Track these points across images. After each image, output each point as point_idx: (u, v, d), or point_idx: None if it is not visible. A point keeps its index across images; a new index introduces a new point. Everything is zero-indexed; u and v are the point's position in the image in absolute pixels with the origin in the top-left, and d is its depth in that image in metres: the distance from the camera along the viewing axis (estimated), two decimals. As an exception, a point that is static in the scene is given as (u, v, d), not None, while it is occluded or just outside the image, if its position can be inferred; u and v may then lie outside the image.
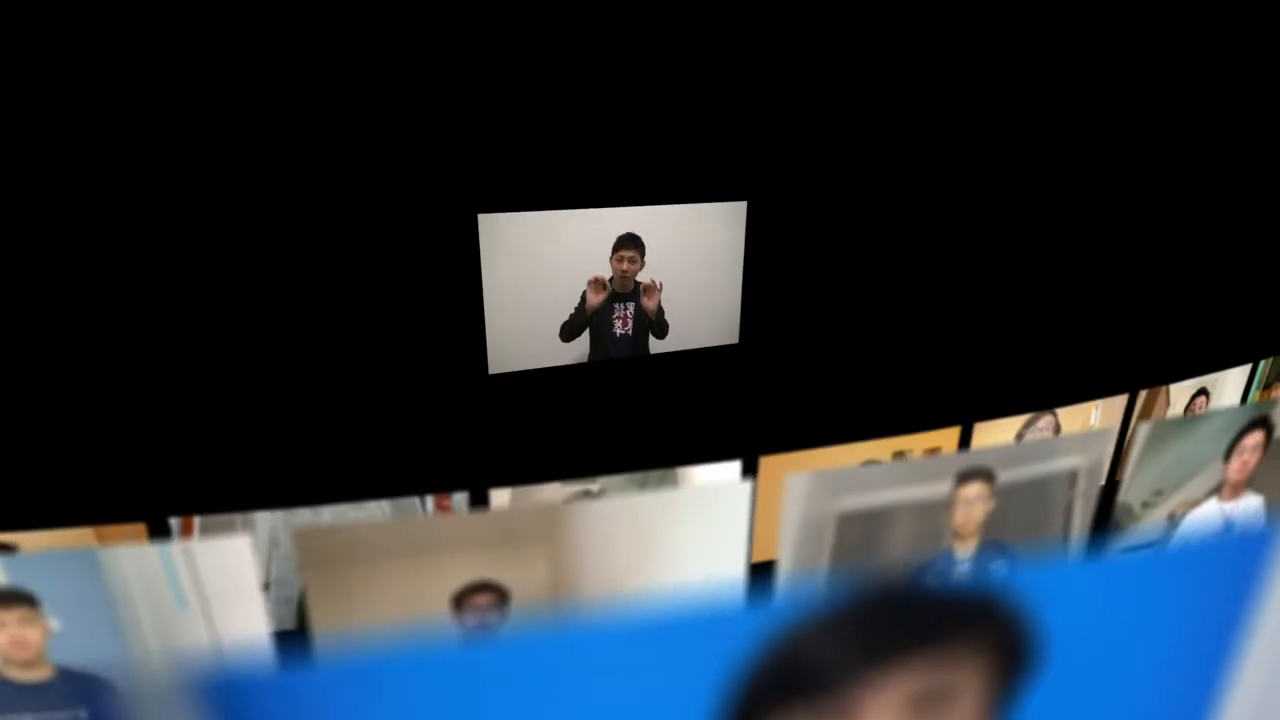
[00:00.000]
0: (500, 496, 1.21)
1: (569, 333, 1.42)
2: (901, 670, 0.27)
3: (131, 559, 0.67)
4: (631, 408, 1.48)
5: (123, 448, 1.13)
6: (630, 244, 1.38)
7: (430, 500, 1.20)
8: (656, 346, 1.50)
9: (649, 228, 1.40)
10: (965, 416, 1.26)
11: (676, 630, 0.24)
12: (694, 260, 1.45)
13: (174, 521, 1.10)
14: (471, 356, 1.33)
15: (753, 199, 1.38)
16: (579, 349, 1.45)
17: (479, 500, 1.21)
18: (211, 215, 1.06)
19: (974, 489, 0.85)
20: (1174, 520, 0.95)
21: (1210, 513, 0.97)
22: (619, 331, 1.47)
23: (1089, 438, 0.86)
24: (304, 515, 1.18)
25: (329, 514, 1.16)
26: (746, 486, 0.79)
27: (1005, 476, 0.85)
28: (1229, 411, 0.88)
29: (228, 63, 1.00)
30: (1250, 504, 0.98)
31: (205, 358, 1.13)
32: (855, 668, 0.26)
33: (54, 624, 0.68)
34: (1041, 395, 1.38)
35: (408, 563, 0.74)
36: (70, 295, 1.03)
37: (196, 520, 1.11)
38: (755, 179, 1.36)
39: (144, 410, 1.12)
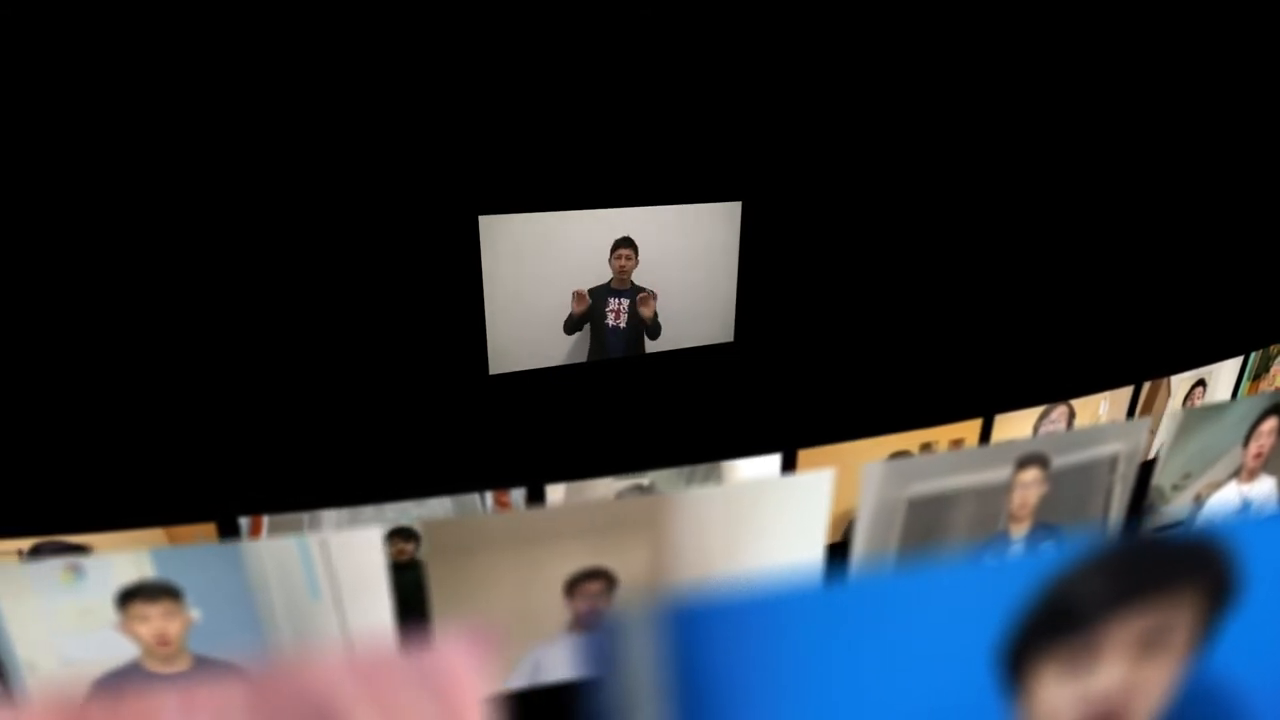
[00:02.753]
0: (555, 492, 1.24)
1: (569, 326, 1.43)
2: (1140, 609, 0.32)
3: (271, 551, 0.71)
4: (631, 406, 1.50)
5: (128, 454, 1.13)
6: (626, 244, 1.41)
7: (489, 496, 1.24)
8: (653, 345, 1.53)
9: (646, 228, 1.44)
10: (956, 411, 1.31)
11: (974, 577, 0.30)
12: (690, 260, 1.49)
13: (243, 521, 1.12)
14: (472, 357, 1.36)
15: (747, 199, 1.42)
16: (578, 349, 1.48)
17: (536, 496, 1.24)
18: (212, 217, 1.07)
19: (1030, 474, 0.92)
20: (1199, 501, 1.03)
21: (1231, 494, 1.05)
22: (611, 324, 1.50)
23: (1129, 425, 0.93)
24: (368, 512, 1.20)
25: (392, 510, 1.19)
26: (829, 476, 0.85)
27: (1058, 462, 0.92)
28: (1248, 400, 0.96)
29: (230, 65, 1.01)
30: (1265, 486, 1.06)
31: (206, 359, 1.13)
32: (1106, 608, 0.32)
33: (195, 616, 0.71)
34: (1037, 390, 1.44)
35: (521, 552, 0.78)
36: (68, 299, 1.04)
37: (265, 519, 1.13)
38: (749, 180, 1.40)
39: (143, 412, 1.13)
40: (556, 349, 1.46)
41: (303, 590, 0.73)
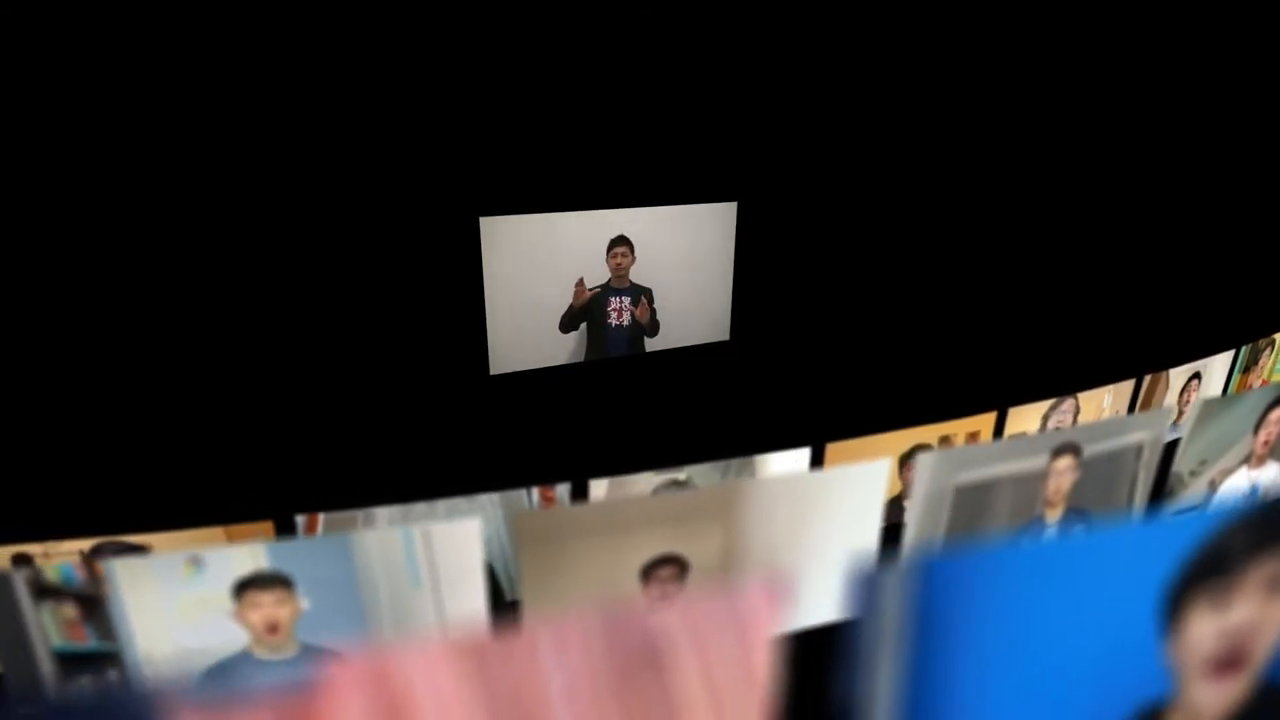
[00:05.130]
0: (598, 487, 1.28)
1: (566, 324, 1.47)
2: (1273, 557, 0.38)
3: (378, 542, 0.74)
4: (630, 405, 1.53)
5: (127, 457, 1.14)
6: (621, 241, 1.45)
7: (536, 492, 1.27)
8: (650, 344, 1.55)
9: (644, 228, 1.48)
10: (948, 407, 1.36)
11: (1150, 533, 0.35)
12: (686, 259, 1.53)
13: (299, 519, 1.14)
14: (473, 358, 1.38)
15: (742, 200, 1.47)
16: (578, 349, 1.51)
17: (579, 492, 1.27)
18: (214, 219, 1.08)
19: (1064, 461, 0.98)
20: (1214, 486, 1.11)
21: (1241, 480, 1.12)
22: (613, 322, 1.53)
23: (1153, 415, 1.00)
24: (420, 509, 1.23)
25: (443, 507, 1.22)
26: (885, 466, 0.90)
27: (1089, 450, 0.98)
28: (1258, 391, 1.04)
29: (233, 68, 1.03)
30: (1272, 471, 1.14)
31: (207, 360, 1.14)
32: (1248, 555, 0.37)
33: (305, 604, 0.74)
34: (1034, 387, 1.50)
35: (602, 541, 0.82)
36: (72, 304, 1.05)
37: (321, 517, 1.15)
38: (745, 181, 1.45)
39: (143, 413, 1.14)
40: (556, 349, 1.49)
41: (405, 579, 0.76)
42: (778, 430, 1.62)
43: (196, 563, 0.69)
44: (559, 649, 0.27)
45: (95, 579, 0.67)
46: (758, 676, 0.30)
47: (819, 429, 1.25)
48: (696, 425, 1.58)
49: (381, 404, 1.30)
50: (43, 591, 0.67)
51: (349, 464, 1.29)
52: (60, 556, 1.02)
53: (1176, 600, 0.37)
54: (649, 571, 0.84)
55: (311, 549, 0.72)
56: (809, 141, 1.40)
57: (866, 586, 0.30)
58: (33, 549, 1.02)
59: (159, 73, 0.99)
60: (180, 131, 1.02)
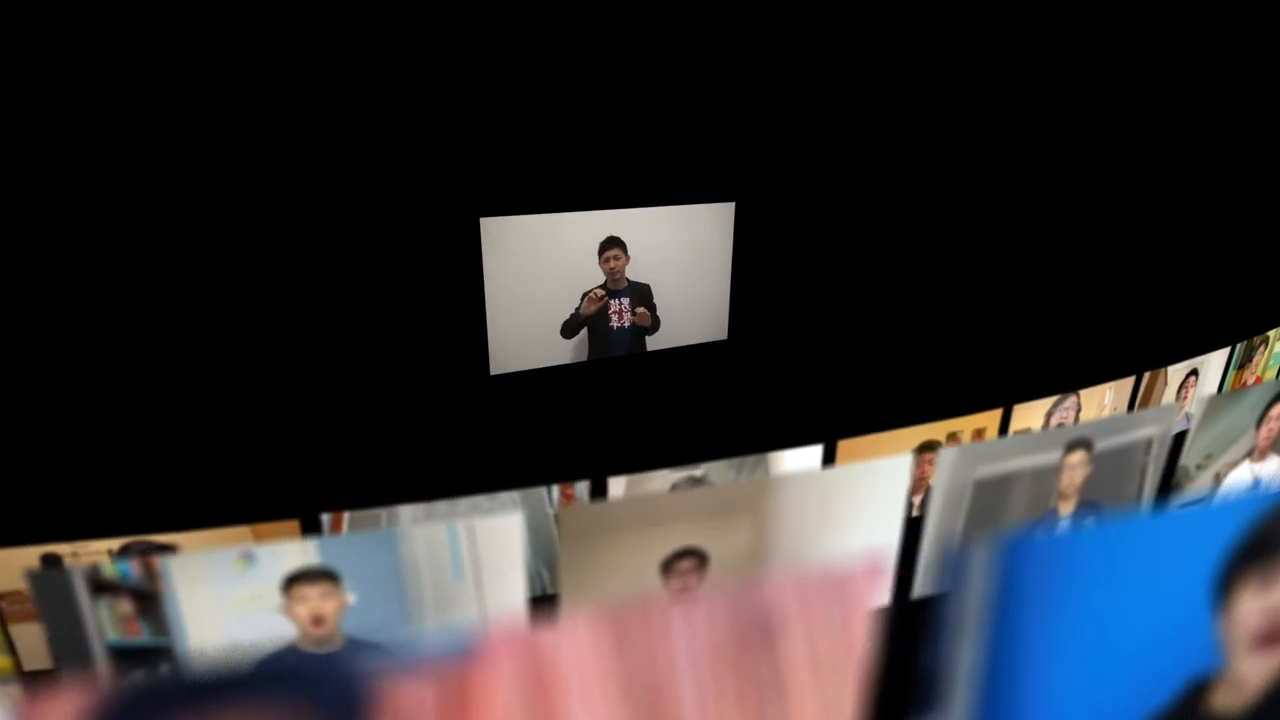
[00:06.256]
0: (617, 485, 1.29)
1: (569, 330, 1.49)
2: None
3: (423, 537, 0.76)
4: (630, 404, 1.54)
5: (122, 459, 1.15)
6: (613, 244, 1.45)
7: (556, 489, 1.29)
8: (650, 343, 1.56)
9: (642, 229, 1.49)
10: (945, 406, 1.38)
11: (1206, 515, 0.37)
12: (685, 259, 1.55)
13: (325, 517, 1.15)
14: (473, 358, 1.39)
15: (740, 200, 1.48)
16: (578, 349, 1.52)
17: (599, 489, 1.29)
18: (214, 220, 1.09)
19: (1077, 456, 1.01)
20: (1218, 480, 1.14)
21: (1244, 473, 1.16)
22: (615, 325, 1.54)
23: (1161, 411, 1.03)
24: (442, 507, 1.24)
25: (466, 504, 1.23)
26: (908, 460, 0.92)
27: (1101, 445, 1.01)
28: (1261, 387, 1.07)
29: (233, 69, 1.04)
30: (1273, 465, 1.17)
31: (209, 360, 1.15)
32: (1293, 536, 0.40)
33: (351, 598, 0.76)
34: (1030, 385, 1.52)
35: (634, 534, 0.84)
36: (71, 303, 1.05)
37: (346, 515, 1.17)
38: (742, 181, 1.46)
39: (144, 415, 1.14)
40: (557, 349, 1.51)
41: (449, 573, 0.78)
42: (777, 428, 1.63)
43: (248, 558, 0.71)
44: (687, 621, 0.29)
45: (151, 575, 0.68)
46: (856, 647, 0.32)
47: (818, 427, 1.26)
48: (697, 423, 1.60)
49: (382, 404, 1.31)
50: (100, 588, 0.68)
51: (349, 464, 1.29)
52: (89, 556, 1.03)
53: (1227, 579, 0.39)
54: (669, 565, 0.86)
55: (359, 544, 0.74)
56: (808, 141, 1.41)
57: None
58: (61, 549, 1.03)
59: (159, 73, 0.99)
60: (180, 132, 1.03)
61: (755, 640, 0.30)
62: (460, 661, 0.26)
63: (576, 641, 0.27)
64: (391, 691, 0.25)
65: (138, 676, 0.26)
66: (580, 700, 0.27)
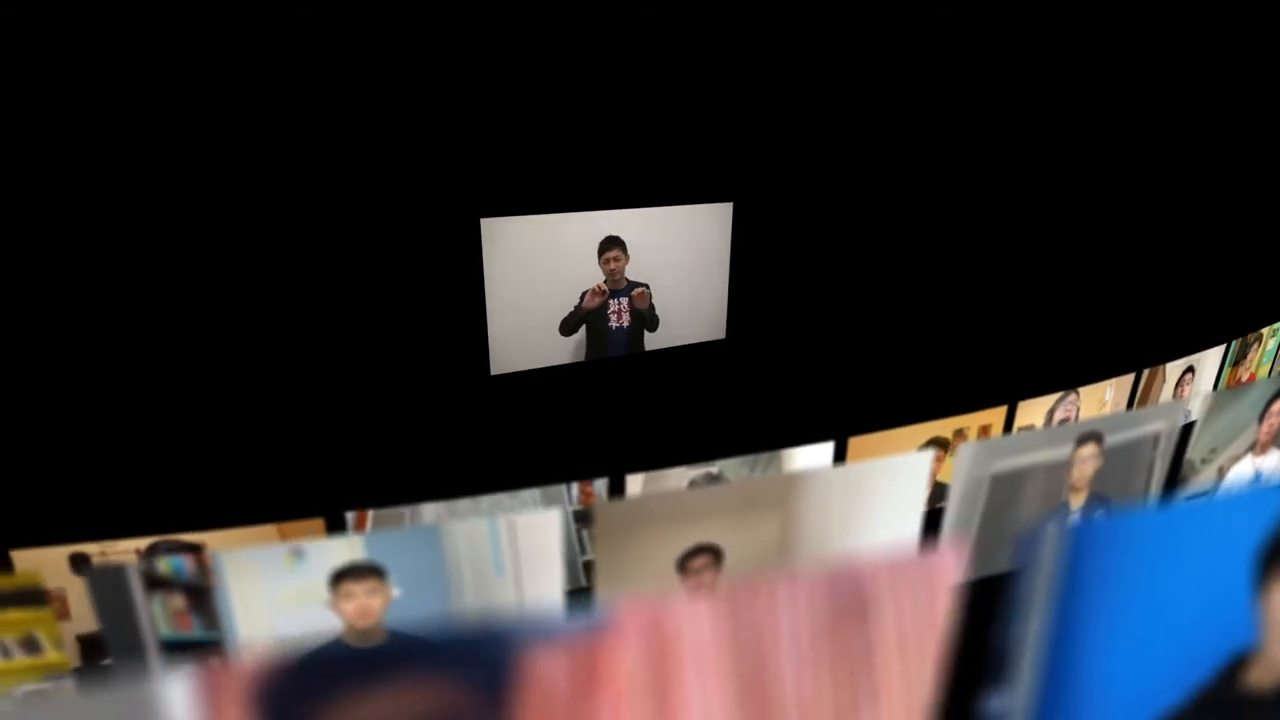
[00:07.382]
0: (634, 483, 1.31)
1: (567, 328, 1.50)
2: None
3: (465, 533, 0.78)
4: (630, 403, 1.56)
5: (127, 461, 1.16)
6: (613, 244, 1.47)
7: (575, 487, 1.30)
8: (648, 343, 1.57)
9: (641, 229, 1.50)
10: (944, 404, 1.41)
11: (1248, 502, 0.40)
12: (683, 259, 1.56)
13: (349, 515, 1.17)
14: (474, 359, 1.40)
15: (738, 200, 1.50)
16: (578, 349, 1.54)
17: (617, 487, 1.30)
18: (215, 221, 1.09)
19: (1088, 450, 1.04)
20: (1222, 474, 1.17)
21: (1246, 467, 1.19)
22: (614, 324, 1.56)
23: (1169, 407, 1.06)
24: (463, 504, 1.25)
25: (487, 502, 1.25)
26: (929, 456, 0.95)
27: (1111, 439, 1.05)
28: (1263, 383, 1.11)
29: (233, 69, 1.04)
30: (1274, 459, 1.21)
31: (210, 361, 1.16)
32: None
33: (396, 593, 0.78)
34: (1028, 383, 1.55)
35: (663, 529, 0.86)
36: (72, 303, 1.06)
37: (370, 514, 1.18)
38: (740, 181, 1.48)
39: (146, 416, 1.15)
40: (557, 349, 1.52)
41: (489, 567, 0.79)
42: (776, 427, 1.65)
43: (298, 554, 0.72)
44: (791, 597, 0.31)
45: (204, 570, 0.70)
46: (939, 625, 0.34)
47: (817, 426, 1.28)
48: (696, 423, 1.61)
49: (382, 405, 1.31)
50: (154, 583, 0.69)
51: (349, 464, 1.30)
52: (116, 555, 1.04)
53: (1267, 562, 0.42)
54: (685, 561, 0.88)
55: (404, 540, 0.75)
56: (806, 141, 1.43)
57: (1032, 544, 0.35)
58: (89, 548, 1.04)
59: (159, 73, 0.99)
60: (184, 134, 1.03)
61: (851, 616, 0.32)
62: (592, 634, 0.28)
63: (695, 616, 0.29)
64: (531, 662, 0.27)
65: (304, 651, 0.28)
66: (694, 669, 0.29)
